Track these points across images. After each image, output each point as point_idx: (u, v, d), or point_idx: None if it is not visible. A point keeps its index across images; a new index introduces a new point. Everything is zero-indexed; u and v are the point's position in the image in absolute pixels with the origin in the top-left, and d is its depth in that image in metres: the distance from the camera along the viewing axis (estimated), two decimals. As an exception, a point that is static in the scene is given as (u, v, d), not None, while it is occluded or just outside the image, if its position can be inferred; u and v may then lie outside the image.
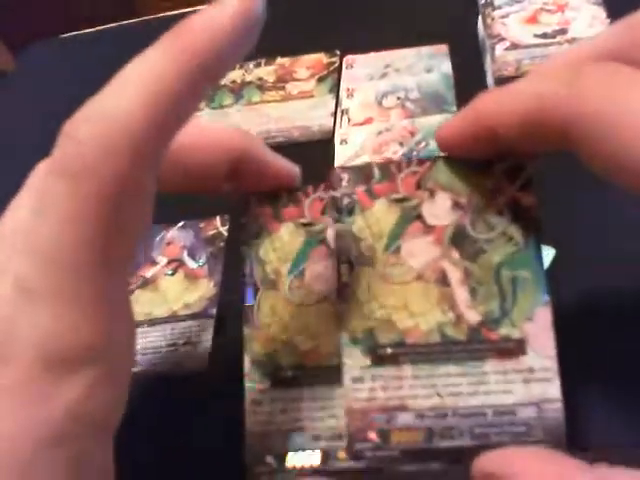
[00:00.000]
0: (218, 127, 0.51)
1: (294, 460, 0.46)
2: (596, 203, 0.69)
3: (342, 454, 0.45)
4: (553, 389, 0.43)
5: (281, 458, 0.46)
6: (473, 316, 0.45)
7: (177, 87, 0.37)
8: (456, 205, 0.46)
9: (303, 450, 0.45)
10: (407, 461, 0.43)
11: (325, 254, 0.48)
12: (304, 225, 0.49)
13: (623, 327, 0.52)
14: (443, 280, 0.46)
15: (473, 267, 0.45)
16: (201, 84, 0.38)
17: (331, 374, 0.47)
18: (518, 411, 0.43)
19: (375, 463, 0.44)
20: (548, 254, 0.65)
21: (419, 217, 0.46)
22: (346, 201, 0.48)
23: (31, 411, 0.34)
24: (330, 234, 0.48)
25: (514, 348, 0.44)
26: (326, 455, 0.45)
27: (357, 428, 0.45)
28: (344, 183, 0.48)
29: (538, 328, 0.44)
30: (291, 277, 0.49)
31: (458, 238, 0.46)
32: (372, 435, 0.45)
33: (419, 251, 0.46)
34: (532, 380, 0.44)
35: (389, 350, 0.45)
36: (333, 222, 0.47)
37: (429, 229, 0.46)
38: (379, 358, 0.45)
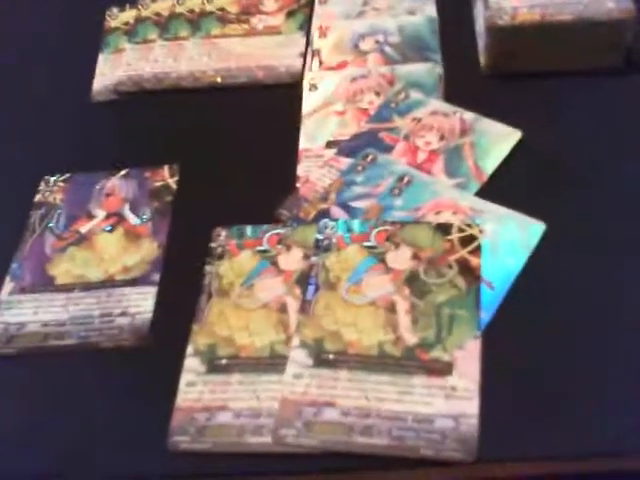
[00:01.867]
0: None
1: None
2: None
3: None
4: (471, 406, 0.50)
5: (202, 430, 0.51)
6: (411, 339, 0.54)
7: None
8: (415, 257, 0.58)
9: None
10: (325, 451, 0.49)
11: (274, 272, 0.59)
12: (260, 251, 0.59)
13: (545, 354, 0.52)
14: (392, 309, 0.56)
15: (419, 303, 0.56)
16: None
17: (261, 364, 0.54)
18: (436, 421, 0.49)
19: (294, 449, 0.50)
20: (538, 229, 0.58)
21: (383, 261, 0.56)
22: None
23: None
24: (282, 258, 0.59)
25: (441, 368, 0.52)
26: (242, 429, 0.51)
27: (286, 416, 0.51)
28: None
29: (466, 355, 0.52)
30: (242, 288, 0.58)
31: (411, 280, 0.57)
32: (298, 424, 0.50)
33: (377, 285, 0.57)
34: (453, 397, 0.50)
35: (331, 356, 0.53)
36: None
37: (389, 270, 0.57)
38: (321, 361, 0.53)
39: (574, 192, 0.61)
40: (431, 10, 0.78)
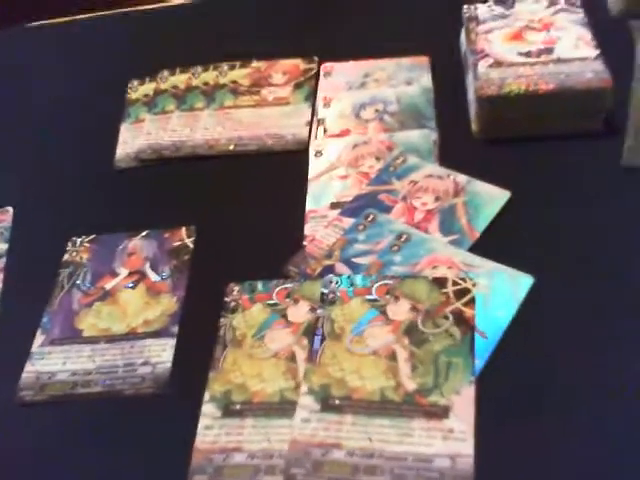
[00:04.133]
0: None
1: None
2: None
3: None
4: (467, 447, 0.54)
5: (219, 470, 0.55)
6: (410, 385, 0.58)
7: None
8: (413, 308, 0.63)
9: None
10: None
11: (283, 324, 0.64)
12: (270, 305, 0.65)
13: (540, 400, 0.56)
14: (392, 357, 0.60)
15: (418, 351, 0.60)
16: None
17: (272, 409, 0.59)
18: (434, 460, 0.54)
19: None
20: (527, 282, 0.63)
21: (384, 313, 0.62)
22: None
23: None
24: (290, 311, 0.64)
25: (439, 412, 0.56)
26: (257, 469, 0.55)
27: (295, 456, 0.56)
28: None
29: (462, 400, 0.57)
30: (254, 339, 0.64)
31: (410, 330, 0.62)
32: (307, 464, 0.55)
33: (378, 335, 0.62)
34: (450, 438, 0.55)
35: (337, 401, 0.58)
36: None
37: (389, 322, 0.62)
38: (328, 406, 0.58)
39: (560, 247, 0.66)
40: (427, 81, 0.85)
